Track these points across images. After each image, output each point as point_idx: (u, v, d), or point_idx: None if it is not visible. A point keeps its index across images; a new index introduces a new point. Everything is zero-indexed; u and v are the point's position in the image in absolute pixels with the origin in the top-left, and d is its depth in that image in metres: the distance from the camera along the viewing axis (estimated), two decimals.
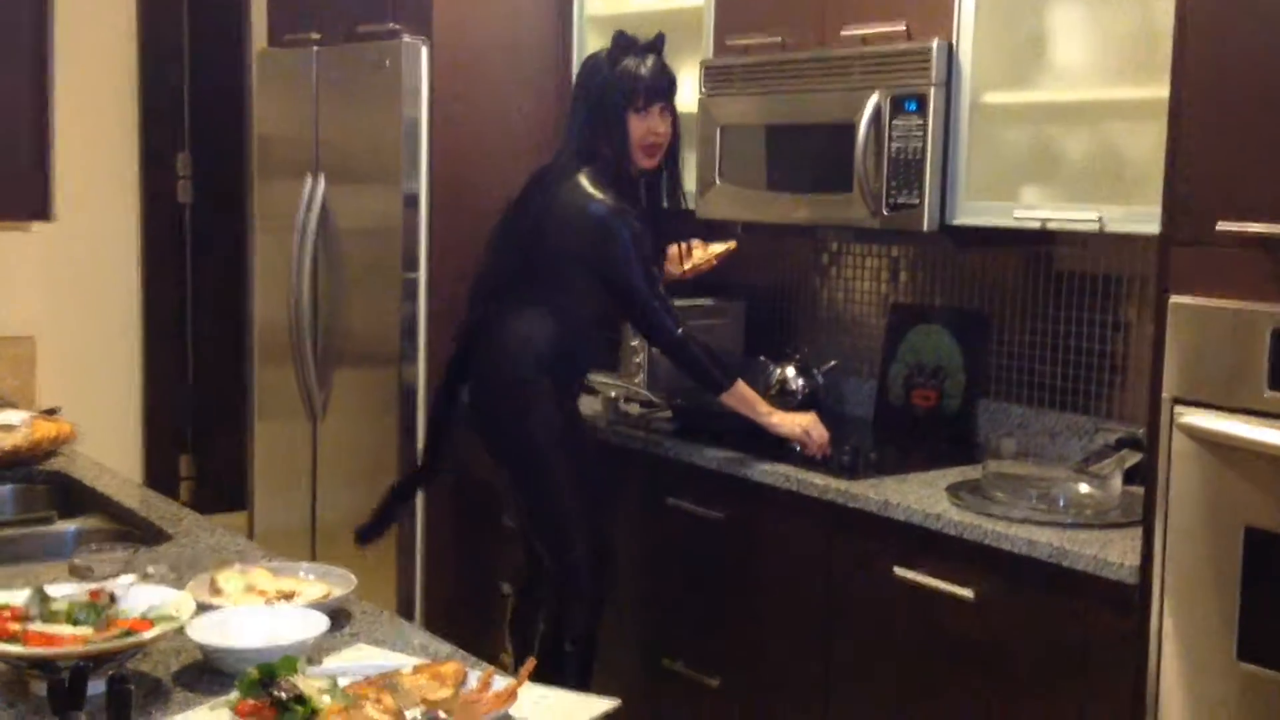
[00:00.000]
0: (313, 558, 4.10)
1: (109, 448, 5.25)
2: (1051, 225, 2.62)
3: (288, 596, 1.80)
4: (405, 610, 3.69)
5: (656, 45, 3.01)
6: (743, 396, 2.93)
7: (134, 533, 2.29)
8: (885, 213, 2.85)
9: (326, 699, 1.41)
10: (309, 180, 3.92)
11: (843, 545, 2.67)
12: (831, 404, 3.44)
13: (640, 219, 2.91)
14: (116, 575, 1.72)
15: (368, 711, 1.39)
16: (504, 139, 3.20)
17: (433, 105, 3.56)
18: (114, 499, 2.42)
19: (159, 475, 5.42)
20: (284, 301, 4.01)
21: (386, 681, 1.48)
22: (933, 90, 2.75)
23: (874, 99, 2.83)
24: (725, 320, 3.62)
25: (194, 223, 5.44)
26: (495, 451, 3.05)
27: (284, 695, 1.38)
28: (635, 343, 3.45)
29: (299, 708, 1.37)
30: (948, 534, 2.44)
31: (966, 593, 2.41)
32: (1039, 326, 3.00)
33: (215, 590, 1.81)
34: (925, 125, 2.76)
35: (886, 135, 2.83)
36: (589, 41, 3.70)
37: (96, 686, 1.48)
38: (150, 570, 1.77)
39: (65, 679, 1.31)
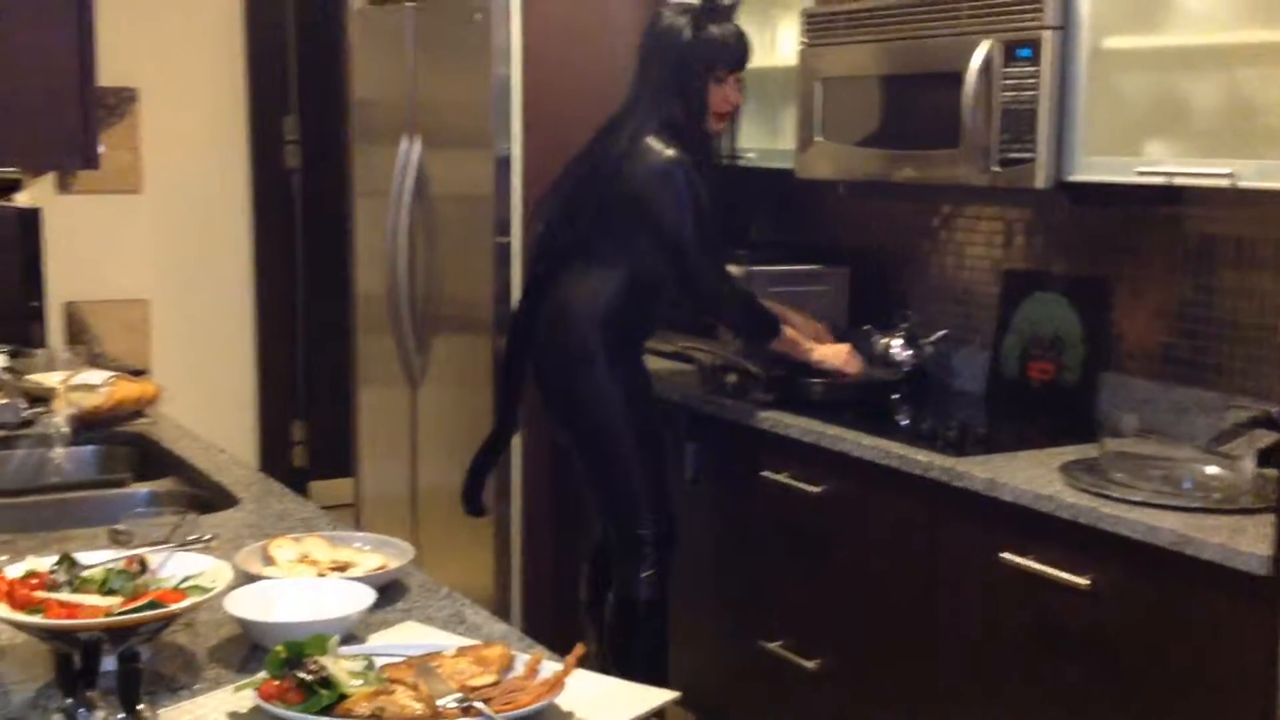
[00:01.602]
0: (414, 523, 4.07)
1: (224, 411, 5.32)
2: (1178, 182, 2.40)
3: (341, 568, 1.72)
4: (502, 587, 3.63)
5: (734, 8, 2.98)
6: (790, 340, 2.99)
7: (205, 497, 2.23)
8: (995, 169, 2.66)
9: (358, 682, 1.31)
10: (404, 143, 3.85)
11: (947, 526, 2.51)
12: (941, 376, 3.26)
13: (703, 176, 2.87)
14: (162, 542, 1.65)
15: (398, 698, 1.29)
16: (598, 98, 3.08)
17: (525, 62, 3.46)
18: (190, 462, 2.37)
19: (272, 439, 5.46)
20: (383, 268, 3.96)
21: (425, 664, 1.38)
22: (1048, 35, 2.55)
23: (984, 46, 2.64)
24: (828, 287, 3.46)
25: (303, 187, 5.44)
26: (557, 418, 3.03)
27: (308, 677, 1.28)
28: None
29: (324, 691, 1.28)
30: (1060, 517, 2.25)
31: (1080, 581, 2.22)
32: (1165, 294, 2.78)
33: (268, 559, 1.73)
34: (1039, 73, 2.57)
35: (997, 85, 2.64)
36: None
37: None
38: (192, 537, 1.70)
39: (76, 654, 1.23)
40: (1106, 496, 2.23)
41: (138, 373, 2.86)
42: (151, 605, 1.38)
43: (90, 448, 2.52)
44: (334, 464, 5.20)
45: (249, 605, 1.50)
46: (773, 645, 2.89)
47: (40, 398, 2.64)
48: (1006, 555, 2.34)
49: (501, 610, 3.73)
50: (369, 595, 1.54)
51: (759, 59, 3.48)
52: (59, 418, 2.45)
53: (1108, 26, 2.53)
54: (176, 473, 2.39)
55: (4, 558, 1.56)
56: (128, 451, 2.56)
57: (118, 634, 1.36)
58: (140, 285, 5.14)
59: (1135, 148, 2.51)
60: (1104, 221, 2.90)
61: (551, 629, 3.33)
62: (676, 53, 2.90)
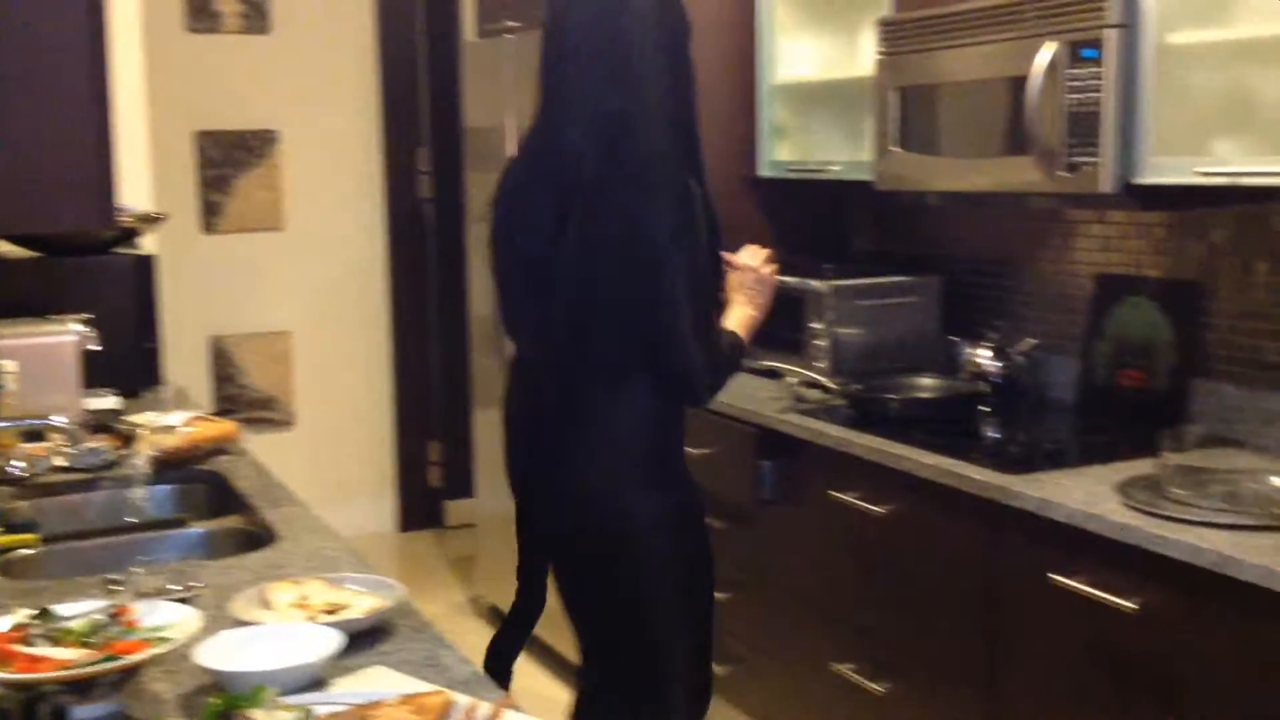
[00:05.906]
0: None
1: (364, 435, 5.52)
2: (1244, 182, 2.25)
3: (333, 610, 1.76)
4: None
5: None
6: (747, 325, 2.32)
7: (258, 534, 2.32)
8: (1063, 174, 2.55)
9: None
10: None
11: (1000, 548, 2.41)
12: (1034, 387, 3.13)
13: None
14: (155, 591, 1.72)
15: None
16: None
17: None
18: (249, 501, 2.47)
19: (410, 461, 5.62)
20: (490, 290, 4.04)
21: (362, 714, 1.40)
22: (1112, 34, 2.44)
23: (1048, 48, 2.54)
24: (920, 298, 3.37)
25: (435, 215, 5.59)
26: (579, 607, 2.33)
27: None
28: (818, 325, 3.27)
29: None
30: (1108, 537, 2.14)
31: (1129, 604, 2.11)
32: (1259, 297, 2.61)
33: (265, 603, 1.79)
34: (1103, 74, 2.45)
35: (1062, 87, 2.53)
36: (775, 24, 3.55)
37: (94, 710, 1.48)
38: (174, 587, 1.76)
39: (13, 708, 1.30)
40: (1157, 515, 2.12)
41: (223, 413, 2.98)
42: (109, 659, 1.45)
43: (167, 487, 2.64)
44: (468, 484, 5.33)
45: (219, 654, 1.55)
46: (843, 668, 2.83)
47: (131, 438, 2.79)
48: (1056, 577, 2.24)
49: None
50: (335, 641, 1.58)
51: (841, 70, 3.44)
52: (139, 459, 2.58)
53: (1174, 21, 2.40)
54: (240, 511, 2.49)
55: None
56: (204, 490, 2.67)
57: (77, 687, 1.43)
58: (282, 318, 5.37)
59: (1202, 147, 2.38)
60: (1198, 223, 2.74)
61: None
62: (670, 24, 2.15)
